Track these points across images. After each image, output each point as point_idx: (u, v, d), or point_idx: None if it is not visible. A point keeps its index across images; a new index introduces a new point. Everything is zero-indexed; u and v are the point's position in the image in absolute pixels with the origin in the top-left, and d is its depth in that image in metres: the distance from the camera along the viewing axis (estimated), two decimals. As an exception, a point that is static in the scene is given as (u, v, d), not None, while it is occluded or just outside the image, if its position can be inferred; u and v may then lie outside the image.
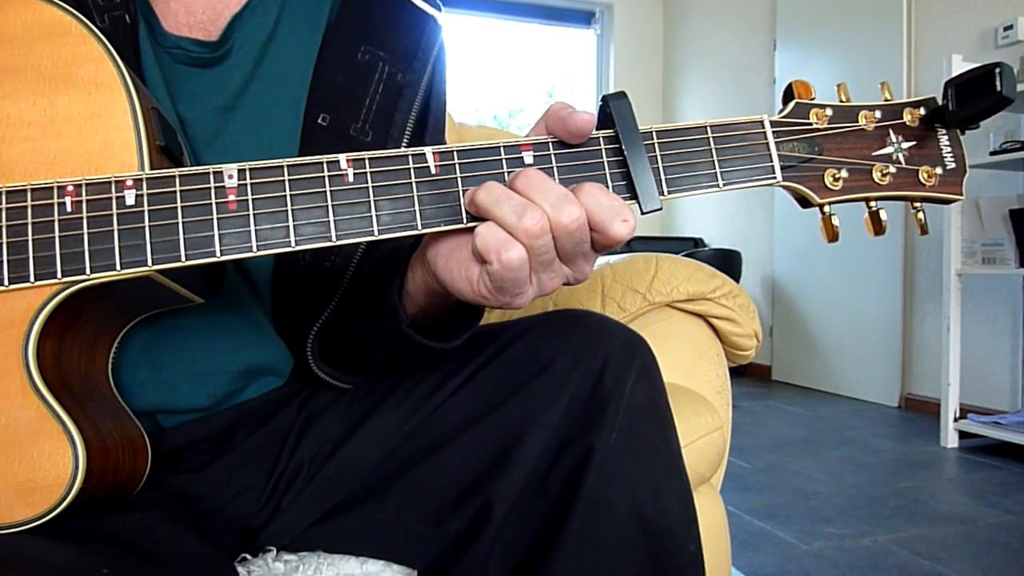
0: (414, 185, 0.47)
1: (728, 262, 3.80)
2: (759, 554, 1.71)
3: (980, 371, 2.97)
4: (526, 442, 0.56)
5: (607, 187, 0.48)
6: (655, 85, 5.28)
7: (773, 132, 0.52)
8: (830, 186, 0.52)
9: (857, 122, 0.53)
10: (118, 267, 0.45)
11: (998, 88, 0.47)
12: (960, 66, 2.53)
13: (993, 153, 2.61)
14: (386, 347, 0.60)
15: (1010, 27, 2.84)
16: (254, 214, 0.46)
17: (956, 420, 2.68)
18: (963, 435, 2.70)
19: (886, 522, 1.91)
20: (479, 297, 0.49)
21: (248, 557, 0.61)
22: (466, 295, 0.50)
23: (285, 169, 0.47)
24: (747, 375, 4.36)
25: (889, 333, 3.43)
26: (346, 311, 0.64)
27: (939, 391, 2.74)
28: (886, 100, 0.54)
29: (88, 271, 0.45)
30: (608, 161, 0.49)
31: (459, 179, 0.48)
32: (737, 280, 3.20)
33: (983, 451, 2.62)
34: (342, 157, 0.47)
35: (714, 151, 0.51)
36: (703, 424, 0.94)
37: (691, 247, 4.45)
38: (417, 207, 0.47)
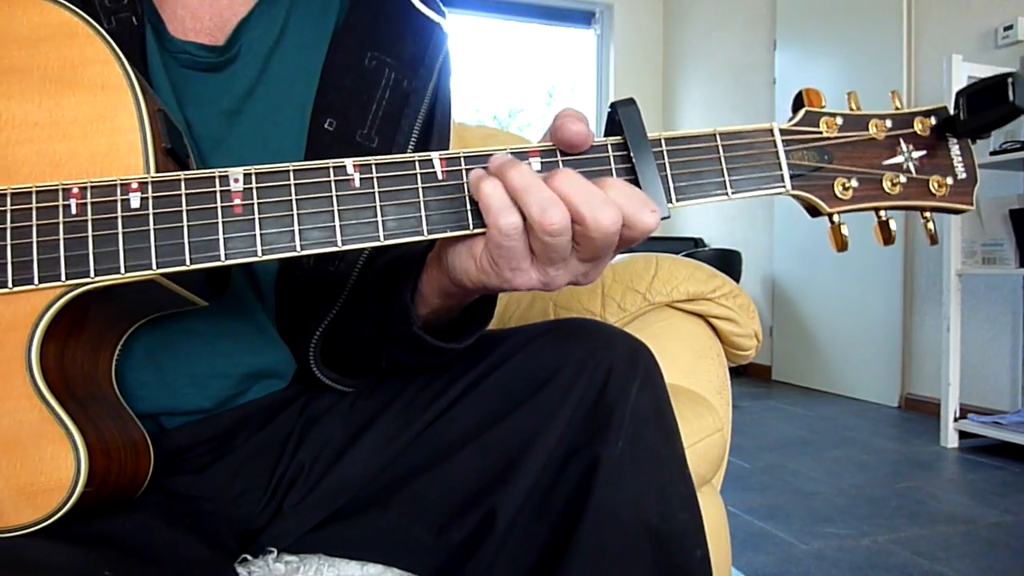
0: (420, 191, 0.47)
1: (728, 262, 3.79)
2: (759, 554, 1.71)
3: (980, 371, 2.97)
4: (531, 453, 0.56)
5: None
6: (655, 85, 5.27)
7: (783, 140, 0.51)
8: (840, 195, 0.52)
9: (867, 131, 0.53)
10: (122, 270, 0.45)
11: (1010, 98, 0.47)
12: (960, 66, 2.52)
13: (993, 153, 2.60)
14: (394, 349, 0.60)
15: (1010, 27, 2.83)
16: (260, 218, 0.46)
17: (956, 420, 2.68)
18: (963, 435, 2.70)
19: (886, 522, 1.92)
20: (481, 272, 0.48)
21: (249, 558, 0.61)
22: (470, 274, 0.49)
23: (291, 174, 0.47)
24: (747, 375, 4.36)
25: (889, 333, 3.43)
26: (352, 314, 0.64)
27: (939, 391, 2.74)
28: (896, 109, 0.54)
29: (92, 274, 0.45)
30: (616, 168, 0.49)
31: (466, 185, 0.47)
32: (737, 280, 3.20)
33: (983, 451, 2.62)
34: (348, 162, 0.47)
35: (723, 159, 0.50)
36: (704, 426, 0.94)
37: (691, 247, 4.44)
38: (423, 212, 0.47)
